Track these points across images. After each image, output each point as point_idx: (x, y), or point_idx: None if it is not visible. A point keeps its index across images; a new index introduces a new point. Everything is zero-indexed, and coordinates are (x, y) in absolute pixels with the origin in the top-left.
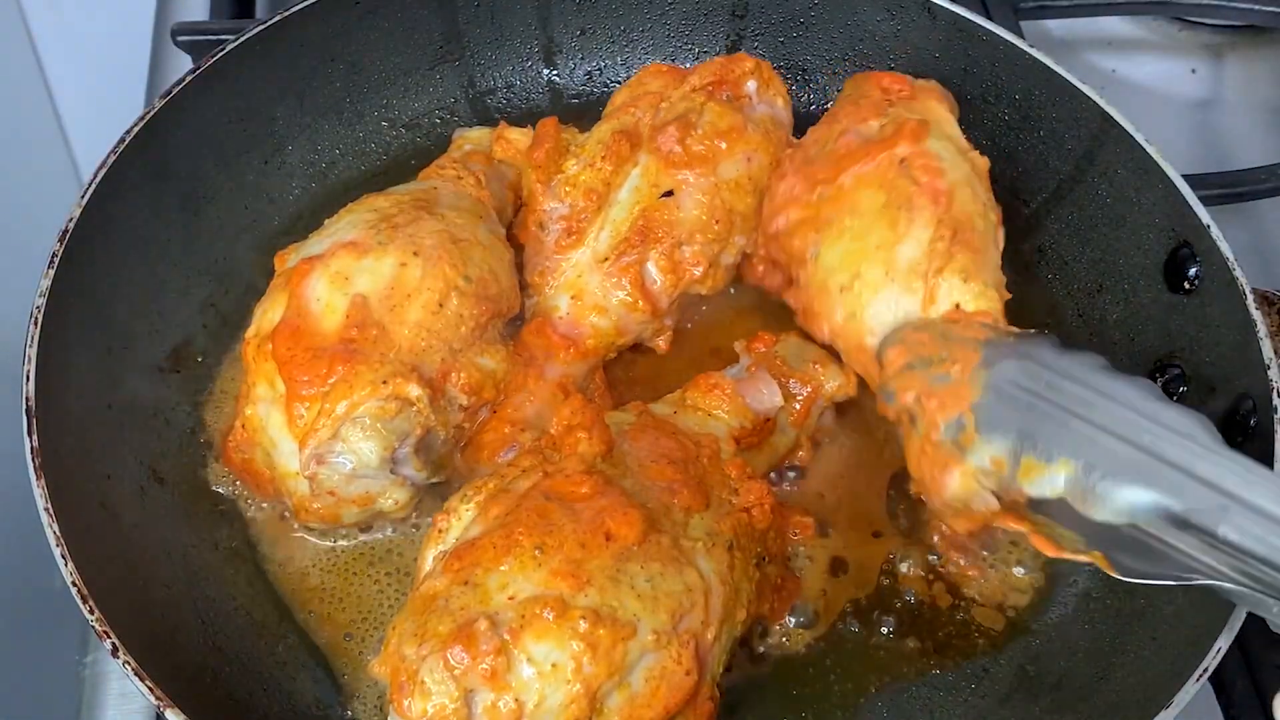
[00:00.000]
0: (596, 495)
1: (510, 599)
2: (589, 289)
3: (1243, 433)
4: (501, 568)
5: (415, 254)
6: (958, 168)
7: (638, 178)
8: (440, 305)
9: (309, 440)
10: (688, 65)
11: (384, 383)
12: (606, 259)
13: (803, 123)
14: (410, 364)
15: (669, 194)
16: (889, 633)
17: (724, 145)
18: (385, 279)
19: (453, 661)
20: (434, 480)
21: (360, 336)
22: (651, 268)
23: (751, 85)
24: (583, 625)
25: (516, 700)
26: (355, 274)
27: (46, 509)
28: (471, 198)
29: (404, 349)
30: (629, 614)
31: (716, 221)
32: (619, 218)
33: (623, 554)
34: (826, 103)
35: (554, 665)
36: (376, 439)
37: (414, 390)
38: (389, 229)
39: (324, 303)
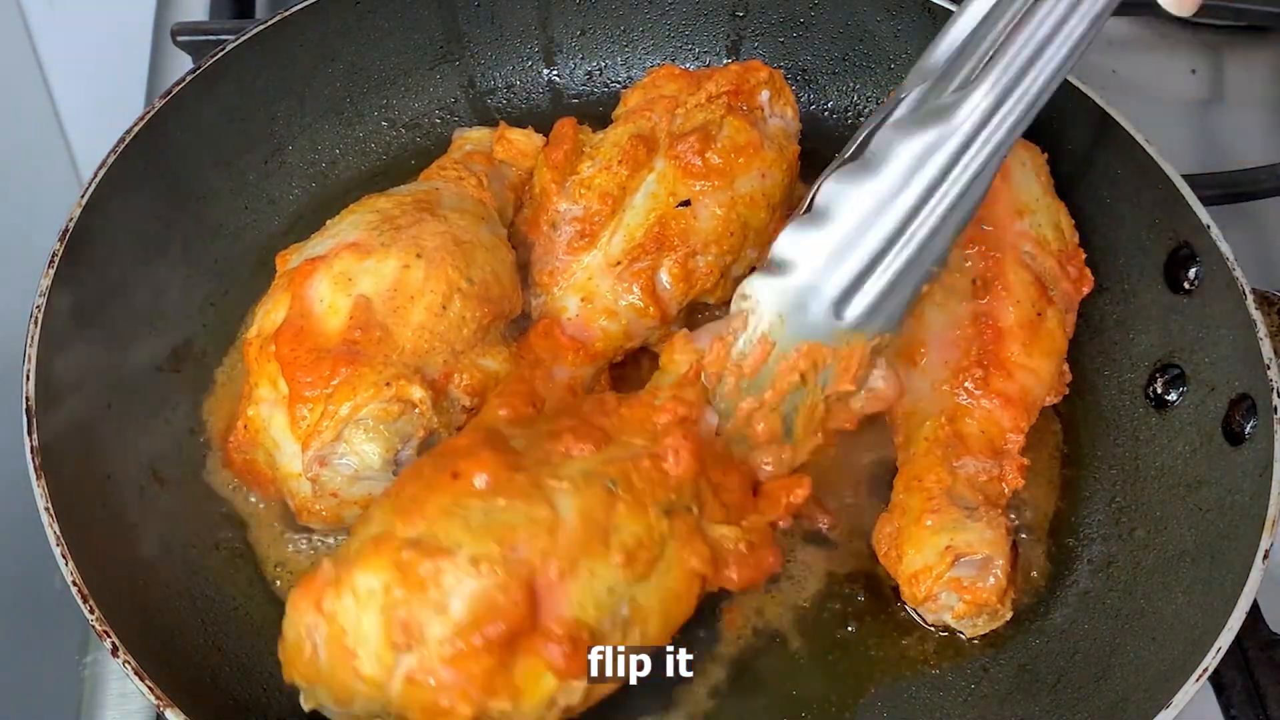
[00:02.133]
0: (468, 443)
1: (358, 539)
2: (600, 292)
3: (1243, 433)
4: (368, 514)
5: (418, 256)
6: None
7: (654, 184)
8: (443, 307)
9: (312, 442)
10: (689, 66)
11: (387, 384)
12: (619, 263)
13: (803, 122)
14: (413, 366)
15: (686, 203)
16: (889, 633)
17: (741, 161)
18: (388, 280)
19: (299, 602)
20: None
21: (363, 338)
22: (664, 275)
23: (765, 95)
24: (404, 555)
25: (341, 628)
26: (358, 275)
27: (46, 509)
28: (473, 199)
29: (407, 351)
30: (450, 541)
31: (731, 234)
32: (633, 223)
33: (466, 491)
34: (827, 102)
35: (369, 591)
36: (379, 441)
37: (417, 392)
38: (391, 230)
39: (327, 304)
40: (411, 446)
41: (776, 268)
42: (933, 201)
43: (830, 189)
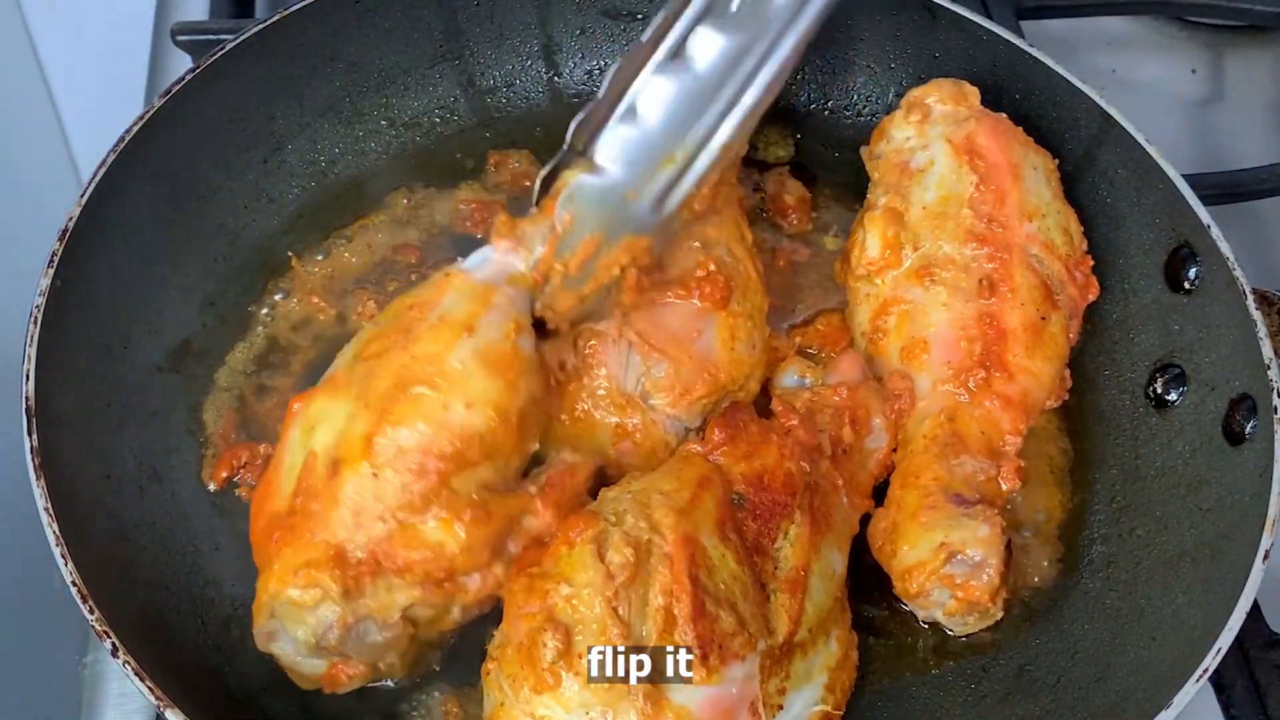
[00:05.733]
0: None
1: None
2: None
3: (1243, 433)
4: None
5: (365, 405)
6: None
7: None
8: (374, 474)
9: (258, 618)
10: None
11: (296, 572)
12: None
13: (802, 121)
14: (336, 546)
15: None
16: (890, 632)
17: None
18: (335, 432)
19: None
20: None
21: (302, 507)
22: None
23: None
24: None
25: None
26: (319, 422)
27: (46, 509)
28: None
29: (335, 526)
30: None
31: None
32: None
33: None
34: (827, 102)
35: None
36: (300, 627)
37: (325, 580)
38: (360, 362)
39: (290, 459)
40: (333, 635)
41: (601, 169)
42: (744, 99)
43: (652, 91)
